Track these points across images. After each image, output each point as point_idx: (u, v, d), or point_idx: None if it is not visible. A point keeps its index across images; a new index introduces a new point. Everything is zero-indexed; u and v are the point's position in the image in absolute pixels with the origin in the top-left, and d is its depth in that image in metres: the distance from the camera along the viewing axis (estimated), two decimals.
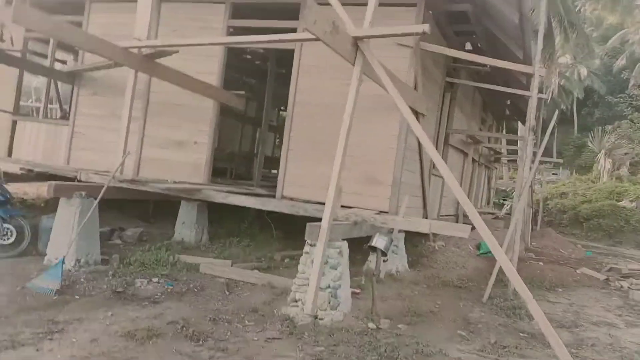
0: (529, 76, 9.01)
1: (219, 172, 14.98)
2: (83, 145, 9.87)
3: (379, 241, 5.75)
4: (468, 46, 11.02)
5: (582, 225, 20.05)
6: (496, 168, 21.49)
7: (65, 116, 11.53)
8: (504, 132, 20.54)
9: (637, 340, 5.81)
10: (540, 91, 8.44)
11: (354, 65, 5.61)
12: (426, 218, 9.31)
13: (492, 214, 16.14)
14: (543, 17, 7.36)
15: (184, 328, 4.83)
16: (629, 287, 8.36)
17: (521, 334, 5.58)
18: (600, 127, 29.14)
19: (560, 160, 20.76)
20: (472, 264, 8.86)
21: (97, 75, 9.70)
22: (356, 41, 5.51)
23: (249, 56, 13.38)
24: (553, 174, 35.56)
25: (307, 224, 5.56)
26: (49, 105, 14.91)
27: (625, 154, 25.63)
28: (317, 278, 5.31)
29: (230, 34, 9.33)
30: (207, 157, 9.11)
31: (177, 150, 9.25)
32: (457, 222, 12.56)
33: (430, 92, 9.14)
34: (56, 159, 10.08)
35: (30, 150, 10.37)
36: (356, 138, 8.00)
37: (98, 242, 7.07)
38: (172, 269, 6.97)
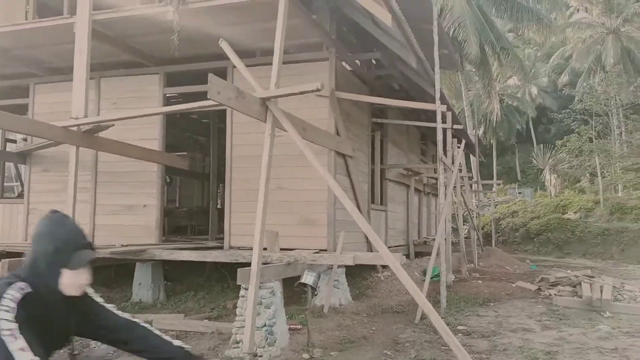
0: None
1: (181, 229, 15.49)
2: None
3: (307, 277, 6.30)
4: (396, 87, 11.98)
5: (533, 240, 20.93)
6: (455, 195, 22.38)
7: (21, 194, 11.95)
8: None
9: (547, 341, 6.41)
10: (444, 121, 9.24)
11: (265, 122, 6.30)
12: (370, 251, 9.92)
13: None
14: (436, 59, 8.21)
15: None
16: (555, 294, 9.02)
17: (443, 347, 6.12)
18: (542, 145, 30.54)
19: (497, 182, 21.85)
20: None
21: (46, 153, 10.21)
22: (264, 102, 6.22)
23: (194, 116, 14.09)
24: (518, 192, 36.69)
25: (238, 270, 6.10)
26: (10, 184, 15.38)
27: (570, 167, 26.97)
28: (252, 318, 5.78)
29: (167, 100, 10.06)
30: (156, 218, 9.63)
31: (129, 214, 9.76)
32: (408, 251, 13.23)
33: (357, 134, 9.92)
34: (14, 237, 10.47)
35: None
36: (291, 184, 8.70)
37: None
38: None
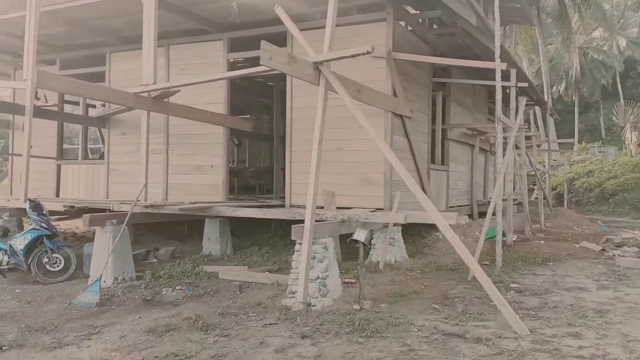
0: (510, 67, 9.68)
1: (250, 189, 16.19)
2: (118, 179, 11.19)
3: (359, 234, 6.60)
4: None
5: (608, 201, 20.06)
6: (519, 155, 21.72)
7: (102, 155, 12.95)
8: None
9: (600, 300, 6.37)
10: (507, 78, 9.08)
11: (318, 85, 6.51)
12: None
13: (514, 200, 16.46)
14: (496, 14, 7.98)
15: (196, 322, 5.81)
16: (618, 255, 8.79)
17: (492, 303, 6.23)
18: (624, 101, 28.61)
19: (570, 140, 20.82)
20: (473, 248, 9.47)
21: (123, 117, 11.00)
22: (317, 65, 6.42)
23: (260, 79, 14.47)
24: (599, 151, 34.86)
25: (292, 226, 6.47)
26: (96, 145, 16.68)
27: None
28: (305, 271, 6.20)
29: (233, 65, 10.47)
30: (223, 177, 10.20)
31: (197, 174, 10.40)
32: (471, 211, 13.18)
33: (416, 94, 9.91)
34: (96, 195, 11.45)
35: (74, 189, 11.80)
36: (349, 145, 8.92)
37: (132, 261, 8.23)
38: (195, 278, 8.03)
